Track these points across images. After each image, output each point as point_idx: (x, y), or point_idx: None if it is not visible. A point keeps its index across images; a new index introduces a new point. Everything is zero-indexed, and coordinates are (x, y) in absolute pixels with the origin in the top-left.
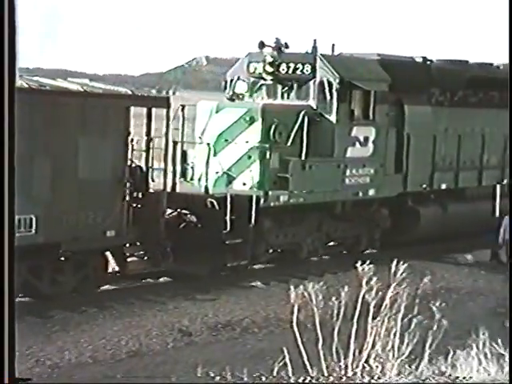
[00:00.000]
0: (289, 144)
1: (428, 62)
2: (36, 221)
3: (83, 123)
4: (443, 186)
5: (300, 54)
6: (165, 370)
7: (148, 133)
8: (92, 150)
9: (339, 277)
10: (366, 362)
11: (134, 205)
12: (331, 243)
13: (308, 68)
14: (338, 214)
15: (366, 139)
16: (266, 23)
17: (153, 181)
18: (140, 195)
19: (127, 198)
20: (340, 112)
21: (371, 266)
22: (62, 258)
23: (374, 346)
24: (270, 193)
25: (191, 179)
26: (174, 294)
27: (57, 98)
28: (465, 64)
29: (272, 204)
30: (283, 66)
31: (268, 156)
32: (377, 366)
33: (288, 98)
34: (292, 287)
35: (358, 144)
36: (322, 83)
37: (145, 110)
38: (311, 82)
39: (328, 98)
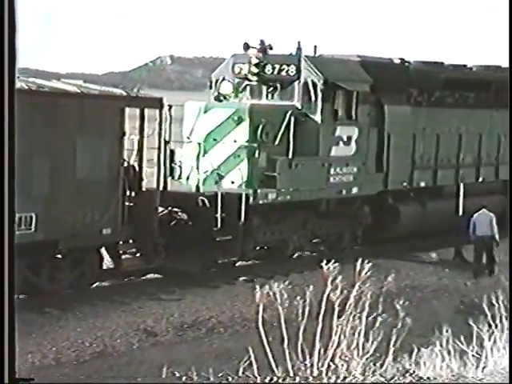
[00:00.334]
0: (276, 143)
1: (406, 64)
2: (36, 219)
3: (81, 124)
4: (422, 184)
5: (285, 56)
6: (130, 371)
7: (141, 133)
8: (89, 150)
9: (305, 276)
10: (332, 360)
11: (129, 203)
12: (315, 240)
13: (292, 69)
14: (323, 211)
15: (349, 138)
16: (231, 23)
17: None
18: (134, 194)
19: (122, 197)
20: (324, 112)
21: (336, 265)
22: (59, 256)
23: (339, 344)
24: (259, 191)
25: (179, 178)
26: (139, 295)
27: (56, 100)
28: (440, 65)
29: (260, 202)
30: (268, 67)
31: (256, 155)
32: (342, 365)
33: (272, 98)
34: (257, 287)
35: (341, 143)
36: (306, 84)
37: (137, 110)
38: (296, 83)
39: (313, 98)
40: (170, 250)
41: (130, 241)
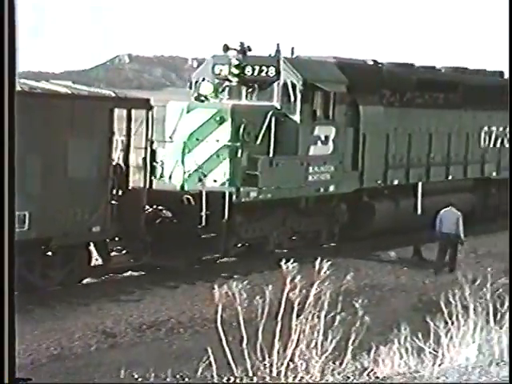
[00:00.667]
0: (257, 143)
1: (379, 65)
2: (29, 217)
3: (72, 124)
4: (395, 182)
5: (264, 57)
6: (88, 373)
7: (128, 133)
8: (80, 150)
9: (265, 275)
10: (291, 359)
11: (117, 202)
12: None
13: (272, 70)
14: (302, 209)
15: (327, 138)
16: (191, 22)
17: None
18: (121, 192)
19: (111, 196)
20: (303, 112)
21: (295, 264)
22: (49, 253)
23: (298, 343)
24: (242, 189)
25: (161, 177)
26: (99, 296)
27: (48, 101)
28: (411, 67)
29: (243, 200)
30: (248, 69)
31: (238, 154)
32: (301, 364)
33: (252, 98)
34: (216, 286)
35: (319, 143)
36: (286, 85)
37: (124, 111)
38: (275, 84)
39: (292, 98)
40: (155, 248)
41: (120, 238)
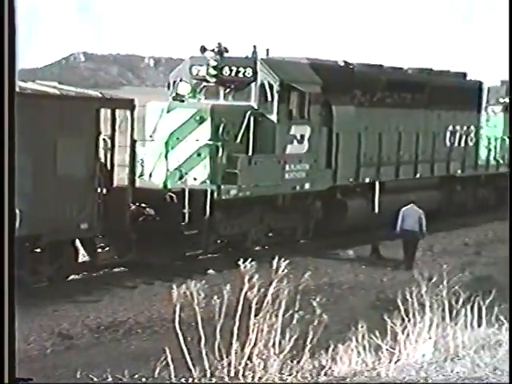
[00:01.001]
0: (236, 142)
1: (351, 66)
2: (20, 214)
3: (61, 124)
4: (367, 180)
5: (241, 58)
6: (44, 376)
7: (112, 132)
8: (68, 149)
9: (224, 275)
10: (249, 359)
11: (103, 199)
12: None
13: (249, 71)
14: (278, 206)
15: (302, 137)
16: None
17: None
18: (107, 191)
19: (98, 193)
20: (280, 112)
21: (253, 263)
22: (38, 250)
23: (256, 343)
24: (222, 187)
25: (140, 175)
26: (55, 297)
27: (38, 101)
28: (380, 68)
29: (223, 197)
30: (226, 69)
31: (217, 153)
32: (259, 363)
33: (229, 99)
34: (174, 286)
35: (295, 142)
36: (263, 85)
37: (109, 111)
38: (252, 84)
39: (269, 99)
40: (140, 245)
41: (106, 235)
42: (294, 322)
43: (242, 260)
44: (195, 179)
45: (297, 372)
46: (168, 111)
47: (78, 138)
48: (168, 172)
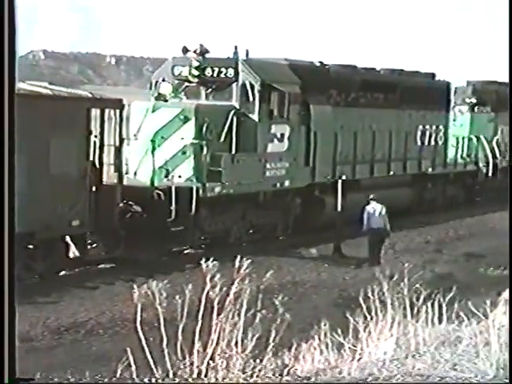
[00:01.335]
0: (220, 140)
1: (326, 67)
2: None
3: (53, 123)
4: (343, 177)
5: (223, 59)
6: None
7: (101, 132)
8: (61, 148)
9: (186, 274)
10: (212, 358)
11: (94, 197)
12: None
13: (231, 72)
14: (260, 203)
15: (282, 136)
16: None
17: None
18: (98, 188)
19: (89, 191)
20: (261, 111)
21: (215, 262)
22: (31, 246)
23: (218, 342)
24: (207, 185)
25: (126, 173)
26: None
27: (32, 101)
28: (354, 68)
29: (208, 195)
30: (208, 70)
31: (201, 151)
32: (222, 362)
33: (210, 99)
34: (135, 286)
35: (276, 140)
36: (244, 85)
37: (98, 111)
38: (234, 85)
39: (250, 98)
40: (128, 241)
41: (93, 232)
42: (257, 320)
43: (204, 259)
44: (180, 177)
45: (259, 371)
46: (153, 111)
47: (70, 137)
48: (154, 170)
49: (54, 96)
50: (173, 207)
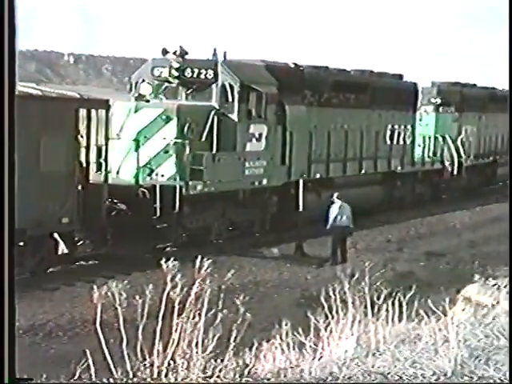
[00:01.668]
0: (201, 140)
1: (301, 68)
2: None
3: (43, 123)
4: (317, 176)
5: (203, 60)
6: None
7: (88, 131)
8: (50, 147)
9: (147, 274)
10: (172, 359)
11: (82, 195)
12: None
13: (210, 73)
14: (239, 201)
15: (260, 135)
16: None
17: None
18: (83, 187)
19: (77, 189)
20: (240, 112)
21: (176, 262)
22: (21, 244)
23: (179, 342)
24: (190, 183)
25: (108, 172)
26: None
27: (23, 102)
28: (327, 69)
29: (191, 192)
30: (188, 71)
31: (183, 150)
32: (183, 363)
33: (188, 99)
34: (95, 287)
35: (254, 140)
36: (224, 86)
37: (84, 111)
38: (213, 85)
39: (230, 99)
40: (114, 238)
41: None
42: (218, 320)
43: (164, 259)
44: (162, 176)
45: (220, 371)
46: (136, 111)
47: (60, 136)
48: (138, 168)
49: (44, 97)
50: (157, 205)
